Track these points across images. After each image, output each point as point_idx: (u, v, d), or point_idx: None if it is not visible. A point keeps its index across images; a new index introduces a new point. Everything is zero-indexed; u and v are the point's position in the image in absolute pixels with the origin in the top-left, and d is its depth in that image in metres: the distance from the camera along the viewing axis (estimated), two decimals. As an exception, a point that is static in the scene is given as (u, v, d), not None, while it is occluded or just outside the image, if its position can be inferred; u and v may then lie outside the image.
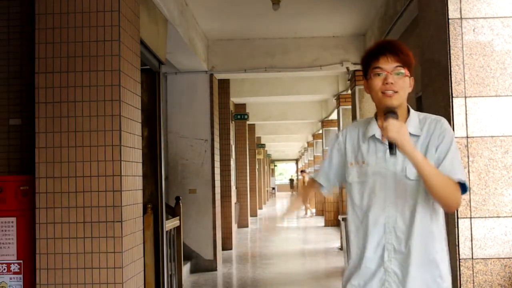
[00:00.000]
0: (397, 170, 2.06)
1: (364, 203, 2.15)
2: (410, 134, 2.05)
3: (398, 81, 2.05)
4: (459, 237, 3.40)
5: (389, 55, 2.06)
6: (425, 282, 2.06)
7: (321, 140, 16.23)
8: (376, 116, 2.19)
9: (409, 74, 2.08)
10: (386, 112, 2.02)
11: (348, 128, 2.29)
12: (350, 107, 9.29)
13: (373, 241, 2.11)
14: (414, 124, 2.10)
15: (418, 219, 2.05)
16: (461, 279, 3.38)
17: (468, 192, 3.42)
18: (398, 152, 1.98)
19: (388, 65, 2.06)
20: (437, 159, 2.03)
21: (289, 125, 19.04)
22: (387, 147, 2.02)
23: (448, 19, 3.51)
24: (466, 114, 3.46)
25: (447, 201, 2.00)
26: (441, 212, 2.12)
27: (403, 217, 2.07)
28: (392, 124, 1.93)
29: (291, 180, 47.81)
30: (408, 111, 2.14)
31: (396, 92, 2.05)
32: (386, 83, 2.05)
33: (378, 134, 2.13)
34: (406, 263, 2.05)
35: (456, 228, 3.42)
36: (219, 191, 9.08)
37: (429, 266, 2.07)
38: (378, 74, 2.08)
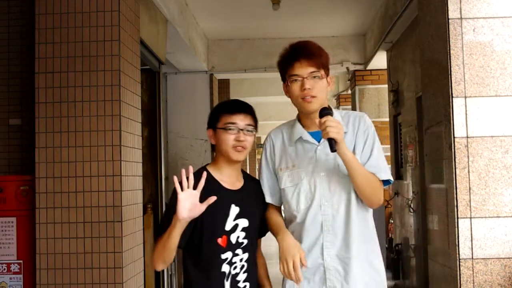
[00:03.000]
0: (329, 169, 2.08)
1: (301, 207, 2.13)
2: None
3: (315, 85, 2.07)
4: (459, 237, 3.40)
5: (303, 60, 2.07)
6: (366, 277, 2.08)
7: (321, 140, 16.21)
8: (299, 119, 2.21)
9: (325, 75, 2.10)
10: (321, 112, 2.02)
11: (272, 134, 2.27)
12: (350, 107, 9.30)
13: (308, 240, 2.12)
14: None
15: (354, 215, 2.08)
16: (461, 279, 3.38)
17: (468, 192, 3.42)
18: (327, 151, 2.01)
19: (302, 70, 2.07)
20: (364, 155, 2.08)
21: (289, 125, 18.99)
22: (328, 144, 2.00)
23: (448, 19, 3.51)
24: (466, 114, 3.46)
25: (370, 198, 2.05)
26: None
27: (339, 214, 2.09)
28: (331, 122, 1.94)
29: None
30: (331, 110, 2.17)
31: (314, 96, 2.07)
32: (304, 89, 2.07)
33: (305, 135, 2.14)
34: (347, 260, 2.07)
35: (456, 228, 3.42)
36: (219, 191, 9.06)
37: (369, 261, 2.10)
38: (295, 80, 2.09)
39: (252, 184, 2.34)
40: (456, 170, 3.44)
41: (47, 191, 3.69)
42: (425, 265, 5.23)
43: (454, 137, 3.45)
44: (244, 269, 2.21)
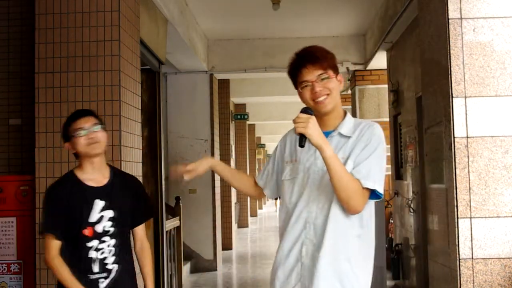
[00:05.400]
0: (323, 167, 2.09)
1: (292, 200, 2.19)
2: (341, 134, 2.13)
3: (327, 84, 2.14)
4: (459, 237, 3.41)
5: (309, 66, 2.14)
6: (331, 280, 2.06)
7: (321, 140, 16.21)
8: None
9: (334, 75, 2.15)
10: (302, 110, 2.09)
11: (290, 131, 2.37)
12: (350, 107, 9.30)
13: (291, 236, 2.16)
14: (347, 126, 2.15)
15: (333, 217, 2.08)
16: (461, 279, 3.38)
17: (468, 192, 3.42)
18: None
19: (310, 75, 2.14)
20: (357, 160, 2.06)
21: (289, 125, 18.89)
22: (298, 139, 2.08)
23: (448, 19, 3.51)
24: (466, 114, 3.46)
25: (346, 202, 2.03)
26: (368, 216, 2.13)
27: (322, 213, 2.10)
28: (300, 117, 2.02)
29: None
30: (345, 114, 2.21)
31: (328, 94, 2.14)
32: (315, 92, 2.14)
33: None
34: (316, 261, 2.07)
35: (456, 228, 3.42)
36: (219, 191, 9.08)
37: (338, 265, 2.06)
38: (306, 86, 2.17)
39: (120, 179, 2.71)
40: (456, 170, 3.44)
41: (47, 191, 3.69)
42: (425, 265, 5.23)
43: (454, 137, 3.46)
44: (113, 253, 2.59)
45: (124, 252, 2.65)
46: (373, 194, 2.06)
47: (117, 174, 2.72)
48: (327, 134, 2.14)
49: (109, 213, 2.58)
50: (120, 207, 2.62)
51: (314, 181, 2.13)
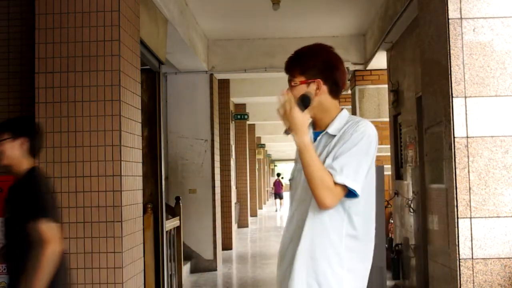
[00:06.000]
0: None
1: (290, 200, 2.24)
2: (329, 134, 2.13)
3: (292, 91, 2.16)
4: (459, 237, 3.41)
5: (286, 70, 2.20)
6: (306, 278, 2.05)
7: (321, 140, 16.22)
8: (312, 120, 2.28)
9: (303, 80, 2.14)
10: (299, 97, 2.11)
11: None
12: (350, 107, 9.30)
13: (287, 236, 2.17)
14: (336, 125, 2.14)
15: (310, 214, 2.08)
16: (461, 279, 3.38)
17: (468, 192, 3.42)
18: (318, 151, 2.10)
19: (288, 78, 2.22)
20: (334, 155, 2.05)
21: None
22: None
23: (448, 19, 3.51)
24: (466, 114, 3.46)
25: (316, 195, 2.01)
26: (361, 215, 2.09)
27: (306, 213, 2.10)
28: (281, 108, 2.03)
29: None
30: (339, 113, 2.18)
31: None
32: None
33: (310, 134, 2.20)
34: (294, 257, 2.08)
35: (456, 228, 3.42)
36: (219, 191, 9.08)
37: (316, 265, 2.05)
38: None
39: (20, 182, 2.80)
40: (456, 170, 3.44)
41: (47, 191, 3.69)
42: (425, 265, 5.23)
43: (454, 137, 3.46)
44: (4, 251, 2.78)
45: (18, 252, 2.72)
46: (351, 192, 2.02)
47: (23, 178, 2.80)
48: (319, 134, 2.15)
49: (6, 213, 2.79)
50: (11, 209, 2.77)
51: (305, 181, 2.10)
